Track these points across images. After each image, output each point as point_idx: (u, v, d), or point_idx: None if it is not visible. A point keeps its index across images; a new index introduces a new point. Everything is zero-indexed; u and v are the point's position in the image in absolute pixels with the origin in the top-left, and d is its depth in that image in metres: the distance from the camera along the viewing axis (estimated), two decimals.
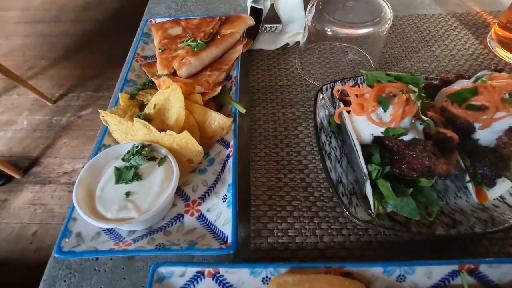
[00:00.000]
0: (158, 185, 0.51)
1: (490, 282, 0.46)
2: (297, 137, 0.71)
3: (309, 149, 0.68)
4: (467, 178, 0.51)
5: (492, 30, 0.89)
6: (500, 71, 0.52)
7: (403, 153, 0.46)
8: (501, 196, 0.54)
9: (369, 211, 0.51)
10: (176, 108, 0.62)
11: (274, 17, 0.99)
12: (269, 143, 0.71)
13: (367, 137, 0.50)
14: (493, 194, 0.53)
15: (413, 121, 0.46)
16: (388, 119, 0.46)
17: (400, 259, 0.52)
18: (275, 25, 0.95)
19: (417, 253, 0.53)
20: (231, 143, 0.63)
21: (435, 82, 0.58)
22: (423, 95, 0.47)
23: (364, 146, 0.51)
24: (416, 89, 0.46)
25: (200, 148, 0.58)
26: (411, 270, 0.46)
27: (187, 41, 0.77)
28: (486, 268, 0.46)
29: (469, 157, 0.50)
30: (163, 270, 0.47)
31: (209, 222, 0.55)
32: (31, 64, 3.04)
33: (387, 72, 0.49)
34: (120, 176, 0.51)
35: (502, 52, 0.85)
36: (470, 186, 0.52)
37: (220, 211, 0.55)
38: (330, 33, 0.73)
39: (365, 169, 0.48)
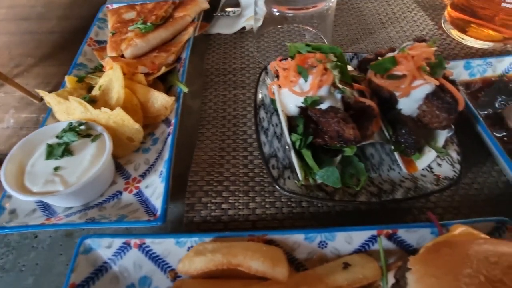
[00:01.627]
0: (88, 160, 0.51)
1: (409, 246, 0.48)
2: (245, 117, 0.72)
3: (255, 128, 0.69)
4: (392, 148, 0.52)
5: (446, 11, 0.89)
6: (422, 41, 0.53)
7: (319, 121, 0.46)
8: (429, 166, 0.55)
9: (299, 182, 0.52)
10: (116, 87, 0.62)
11: (234, 1, 0.99)
12: (217, 123, 0.71)
13: (293, 108, 0.51)
14: (421, 164, 0.55)
15: (331, 90, 0.47)
16: (308, 89, 0.47)
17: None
18: (234, 9, 0.96)
19: (347, 223, 0.54)
20: (173, 121, 0.63)
21: (370, 56, 0.59)
22: (340, 64, 0.47)
23: (291, 118, 0.51)
24: (335, 59, 0.47)
25: (137, 126, 0.58)
26: (331, 236, 0.47)
27: (137, 23, 0.77)
28: (404, 232, 0.47)
29: (392, 127, 0.51)
30: (90, 242, 0.48)
31: (145, 197, 0.56)
32: (17, 62, 3.00)
33: (307, 43, 0.50)
34: (51, 152, 0.52)
35: (455, 33, 0.86)
36: (398, 157, 0.53)
37: (156, 187, 0.56)
38: (277, 13, 0.74)
39: (288, 139, 0.48)
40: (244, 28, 0.92)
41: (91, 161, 0.52)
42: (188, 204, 0.55)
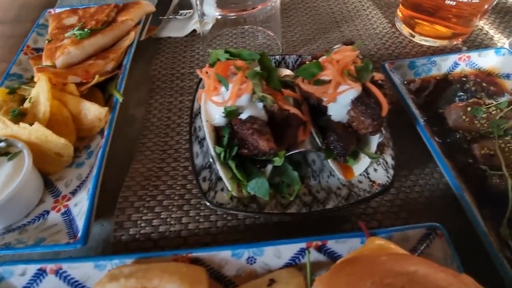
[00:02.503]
0: (1, 181, 0.48)
1: (340, 257, 0.46)
2: None
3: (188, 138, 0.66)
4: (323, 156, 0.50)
5: (398, 9, 0.89)
6: (351, 43, 0.51)
7: (239, 132, 0.44)
8: (367, 172, 0.53)
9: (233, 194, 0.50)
10: (42, 100, 0.58)
11: (186, 3, 0.96)
12: (160, 132, 0.68)
13: (219, 118, 0.48)
14: (358, 170, 0.53)
15: (253, 99, 0.45)
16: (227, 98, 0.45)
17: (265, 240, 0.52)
18: (185, 11, 0.92)
19: (285, 234, 0.52)
20: (105, 133, 0.60)
21: (308, 59, 0.57)
22: (259, 72, 0.45)
23: (220, 128, 0.49)
24: (257, 65, 0.45)
25: (63, 140, 0.55)
26: (259, 251, 0.45)
27: (73, 30, 0.73)
28: (334, 243, 0.46)
29: (322, 134, 0.49)
30: (1, 270, 0.44)
31: (72, 217, 0.53)
32: None
33: (227, 49, 0.47)
34: None
35: (406, 31, 0.85)
36: (332, 164, 0.51)
37: (83, 205, 0.52)
38: (219, 17, 0.71)
39: (212, 151, 0.46)
40: (195, 30, 0.89)
41: (4, 182, 0.48)
42: (116, 222, 0.52)
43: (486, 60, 0.69)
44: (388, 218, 0.54)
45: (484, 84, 0.67)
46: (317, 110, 0.50)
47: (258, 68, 0.49)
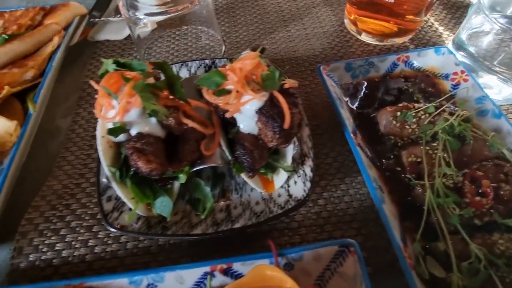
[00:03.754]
0: None
1: None
2: None
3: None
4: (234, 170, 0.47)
5: (346, 6, 0.85)
6: (262, 50, 0.48)
7: (128, 151, 0.41)
8: (287, 184, 0.50)
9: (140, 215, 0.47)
10: None
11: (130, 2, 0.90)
12: (84, 145, 0.64)
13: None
14: (278, 183, 0.50)
15: (146, 115, 0.41)
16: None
17: (178, 262, 0.48)
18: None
19: (201, 253, 0.49)
20: (13, 149, 0.56)
21: (223, 65, 0.53)
22: (152, 83, 0.41)
23: (121, 144, 0.45)
24: (149, 76, 0.41)
25: None
26: (159, 277, 0.42)
27: None
28: (240, 266, 0.43)
29: (231, 147, 0.46)
30: None
31: None
32: None
33: (116, 59, 0.44)
34: None
35: (353, 29, 0.82)
36: (246, 178, 0.48)
37: None
38: (146, 20, 0.67)
39: (106, 171, 0.42)
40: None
41: None
42: (15, 248, 0.48)
43: (426, 60, 0.66)
44: (312, 232, 0.51)
45: (422, 85, 0.65)
46: (229, 122, 0.46)
47: (162, 77, 0.45)
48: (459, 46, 0.69)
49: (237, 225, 0.44)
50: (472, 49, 0.66)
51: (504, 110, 0.64)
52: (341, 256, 0.43)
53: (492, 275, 0.38)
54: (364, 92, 0.63)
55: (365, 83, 0.65)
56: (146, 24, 0.80)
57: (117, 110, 0.40)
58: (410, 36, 0.79)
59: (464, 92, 0.60)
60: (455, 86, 0.63)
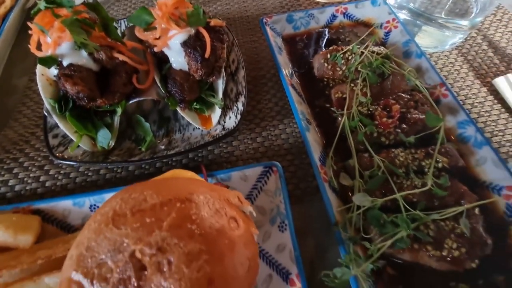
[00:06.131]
0: None
1: None
2: None
3: None
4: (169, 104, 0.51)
5: None
6: None
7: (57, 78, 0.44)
8: (224, 120, 0.55)
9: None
10: None
11: None
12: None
13: (53, 70, 0.47)
14: (215, 119, 0.55)
15: (76, 48, 0.45)
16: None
17: None
18: None
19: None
20: None
21: None
22: (80, 19, 0.44)
23: None
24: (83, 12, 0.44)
25: None
26: (100, 198, 0.46)
27: None
28: None
29: (165, 82, 0.49)
30: None
31: None
32: None
33: None
34: None
35: None
36: (184, 114, 0.52)
37: None
38: None
39: (46, 104, 0.46)
40: None
41: None
42: None
43: (363, 12, 0.70)
44: (249, 164, 0.56)
45: (359, 35, 0.69)
46: (163, 61, 0.50)
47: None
48: (401, 5, 0.73)
49: (171, 153, 0.49)
50: (411, 6, 0.70)
51: (436, 56, 0.69)
52: (266, 176, 0.48)
53: (389, 179, 0.43)
54: (304, 42, 0.68)
55: (307, 34, 0.69)
56: None
57: (49, 44, 0.44)
58: None
59: (395, 37, 0.65)
60: (387, 33, 0.67)
